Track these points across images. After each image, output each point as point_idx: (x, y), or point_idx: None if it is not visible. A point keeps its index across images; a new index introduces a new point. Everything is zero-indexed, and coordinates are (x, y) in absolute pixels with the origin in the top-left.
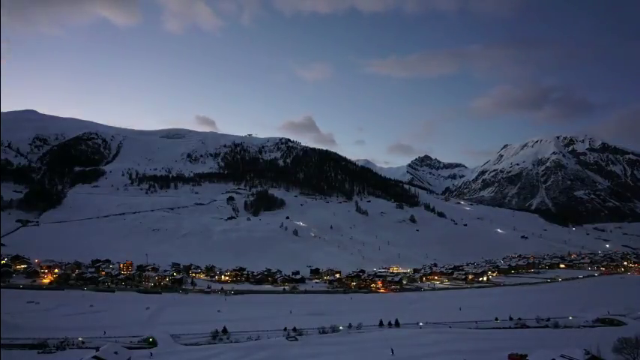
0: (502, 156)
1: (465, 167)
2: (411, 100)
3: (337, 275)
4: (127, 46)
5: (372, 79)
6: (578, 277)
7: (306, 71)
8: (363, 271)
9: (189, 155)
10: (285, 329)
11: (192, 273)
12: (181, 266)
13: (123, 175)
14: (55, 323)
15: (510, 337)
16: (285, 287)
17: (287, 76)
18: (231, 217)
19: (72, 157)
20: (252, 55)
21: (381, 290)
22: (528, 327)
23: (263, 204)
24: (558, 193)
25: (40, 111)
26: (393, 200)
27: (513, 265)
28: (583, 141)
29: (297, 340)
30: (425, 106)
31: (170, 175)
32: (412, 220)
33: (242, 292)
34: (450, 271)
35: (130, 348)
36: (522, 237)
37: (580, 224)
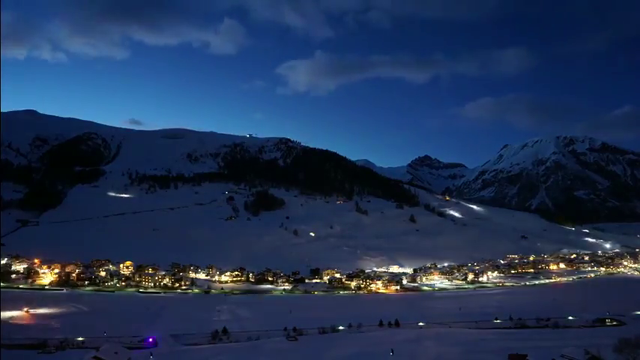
0: (502, 156)
1: (465, 167)
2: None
3: (337, 275)
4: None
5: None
6: (577, 277)
7: None
8: (363, 271)
9: (189, 155)
10: (285, 329)
11: (192, 273)
12: (181, 266)
13: (123, 175)
14: (55, 323)
15: (510, 337)
16: (285, 287)
17: None
18: (231, 217)
19: (72, 157)
20: None
21: (381, 290)
22: (528, 327)
23: (263, 204)
24: (558, 193)
25: (40, 111)
26: (393, 200)
27: (513, 265)
28: (583, 141)
29: (297, 340)
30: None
31: (170, 175)
32: (412, 220)
33: (242, 292)
34: (450, 270)
35: (130, 348)
36: (522, 237)
37: (580, 224)
